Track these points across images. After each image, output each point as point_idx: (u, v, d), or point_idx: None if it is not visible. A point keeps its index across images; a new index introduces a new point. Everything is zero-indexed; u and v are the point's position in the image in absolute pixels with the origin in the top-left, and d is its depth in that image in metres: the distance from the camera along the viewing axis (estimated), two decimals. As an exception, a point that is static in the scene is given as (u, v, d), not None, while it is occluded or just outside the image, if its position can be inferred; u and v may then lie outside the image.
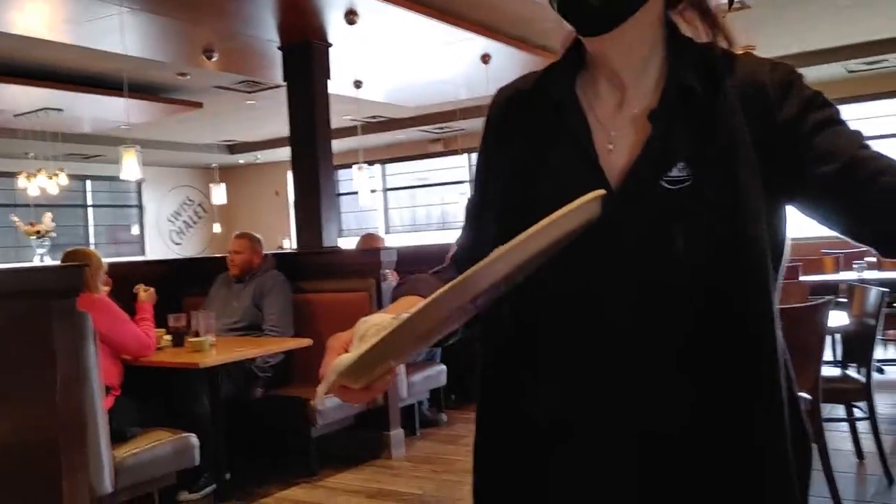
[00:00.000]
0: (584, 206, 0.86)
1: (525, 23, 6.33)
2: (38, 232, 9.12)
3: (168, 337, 4.09)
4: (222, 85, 8.22)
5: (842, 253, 6.93)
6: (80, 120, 9.08)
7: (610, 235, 0.94)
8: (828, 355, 4.76)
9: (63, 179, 9.02)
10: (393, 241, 10.24)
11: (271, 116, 9.61)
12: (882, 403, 4.78)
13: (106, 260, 3.86)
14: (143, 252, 13.69)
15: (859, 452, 3.81)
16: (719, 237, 0.92)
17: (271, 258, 4.71)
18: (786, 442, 0.95)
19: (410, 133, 11.89)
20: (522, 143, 1.04)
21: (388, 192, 14.15)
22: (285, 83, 6.02)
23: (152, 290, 4.10)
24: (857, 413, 3.77)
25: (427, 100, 9.18)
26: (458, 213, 12.10)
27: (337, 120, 6.89)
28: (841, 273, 6.45)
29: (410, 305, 0.86)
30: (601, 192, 0.88)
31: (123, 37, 5.56)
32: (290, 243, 12.98)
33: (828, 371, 3.63)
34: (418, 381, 4.81)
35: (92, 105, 8.15)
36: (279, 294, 4.47)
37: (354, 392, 0.89)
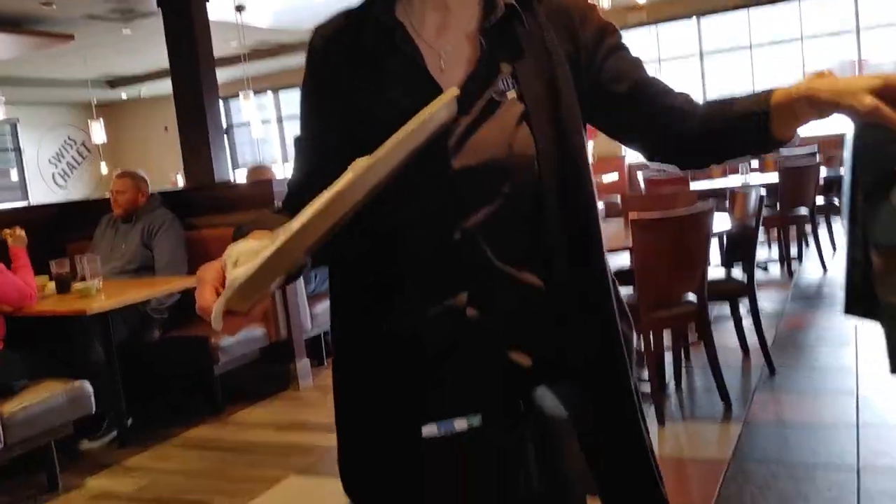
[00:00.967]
0: (445, 104, 0.92)
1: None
2: None
3: (52, 284, 3.90)
4: (93, 14, 7.70)
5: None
6: (-63, 58, 8.39)
7: (450, 148, 1.01)
8: (716, 259, 4.99)
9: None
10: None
11: (151, 47, 9.04)
12: (765, 299, 5.06)
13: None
14: (26, 198, 13.00)
15: (745, 348, 4.02)
16: (547, 140, 1.02)
17: (158, 196, 4.52)
18: (613, 304, 1.07)
19: (303, 58, 11.50)
20: (352, 77, 1.07)
21: (284, 122, 13.76)
22: (159, 9, 5.67)
23: (20, 231, 3.83)
24: (743, 311, 3.96)
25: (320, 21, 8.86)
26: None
27: (223, 47, 6.57)
28: (729, 177, 6.70)
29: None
30: (455, 90, 0.95)
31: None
32: (183, 179, 12.53)
33: (714, 273, 3.78)
34: (320, 312, 4.77)
35: (-52, 41, 7.54)
36: (169, 233, 4.31)
37: (235, 319, 0.90)
